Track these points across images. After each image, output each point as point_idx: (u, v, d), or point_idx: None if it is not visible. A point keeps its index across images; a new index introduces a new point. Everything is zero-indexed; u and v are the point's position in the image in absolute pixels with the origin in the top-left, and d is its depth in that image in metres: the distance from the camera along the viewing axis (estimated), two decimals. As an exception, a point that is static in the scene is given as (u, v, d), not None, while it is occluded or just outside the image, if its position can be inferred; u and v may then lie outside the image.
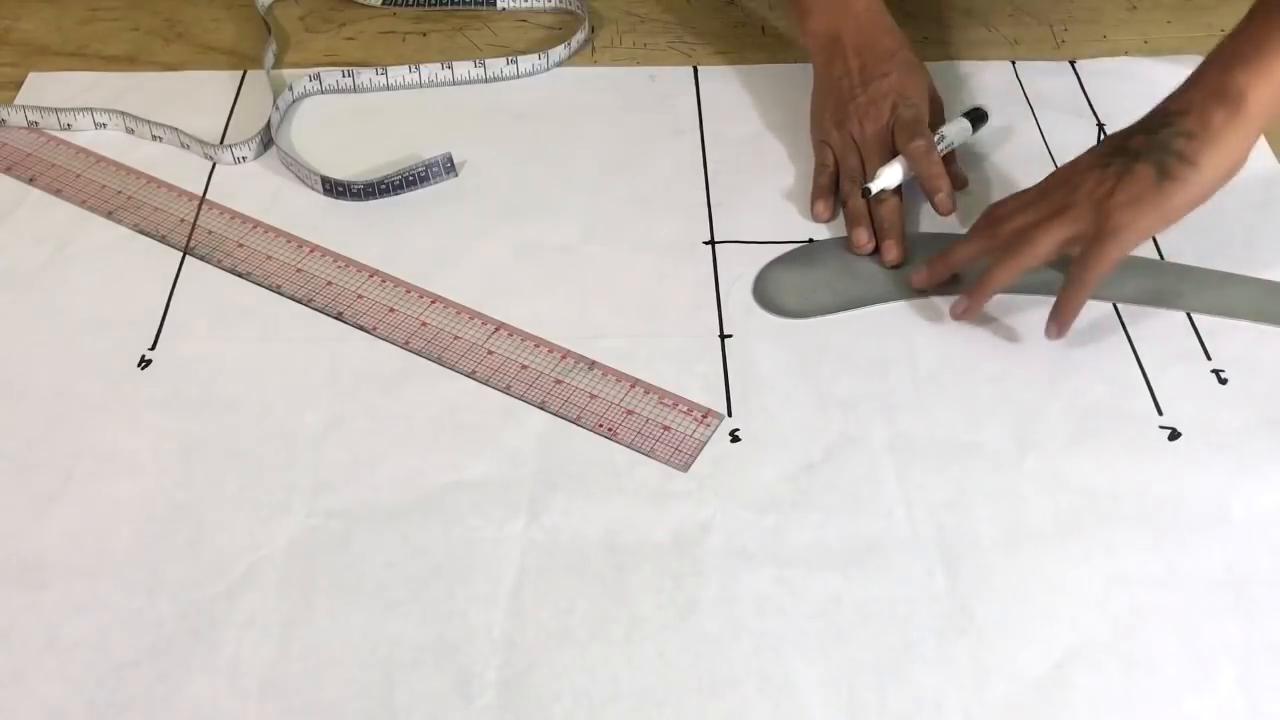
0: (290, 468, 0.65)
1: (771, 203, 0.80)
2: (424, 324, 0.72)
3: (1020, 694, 0.56)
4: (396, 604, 0.59)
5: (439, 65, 0.89)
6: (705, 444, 0.66)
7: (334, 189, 0.80)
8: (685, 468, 0.65)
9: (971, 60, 0.92)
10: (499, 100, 0.89)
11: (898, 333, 0.72)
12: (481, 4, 0.97)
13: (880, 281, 0.75)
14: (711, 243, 0.78)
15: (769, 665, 0.57)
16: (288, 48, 0.94)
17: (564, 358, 0.70)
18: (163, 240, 0.77)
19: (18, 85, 0.89)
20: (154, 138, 0.84)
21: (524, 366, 0.70)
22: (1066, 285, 0.68)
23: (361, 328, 0.72)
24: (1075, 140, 0.79)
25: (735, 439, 0.66)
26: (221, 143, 0.84)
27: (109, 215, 0.79)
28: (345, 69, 0.89)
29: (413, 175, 0.81)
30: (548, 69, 0.91)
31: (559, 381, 0.69)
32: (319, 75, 0.88)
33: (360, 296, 0.74)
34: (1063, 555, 0.61)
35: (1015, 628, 0.58)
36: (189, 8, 0.97)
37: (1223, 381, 0.69)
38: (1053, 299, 0.70)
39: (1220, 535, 0.62)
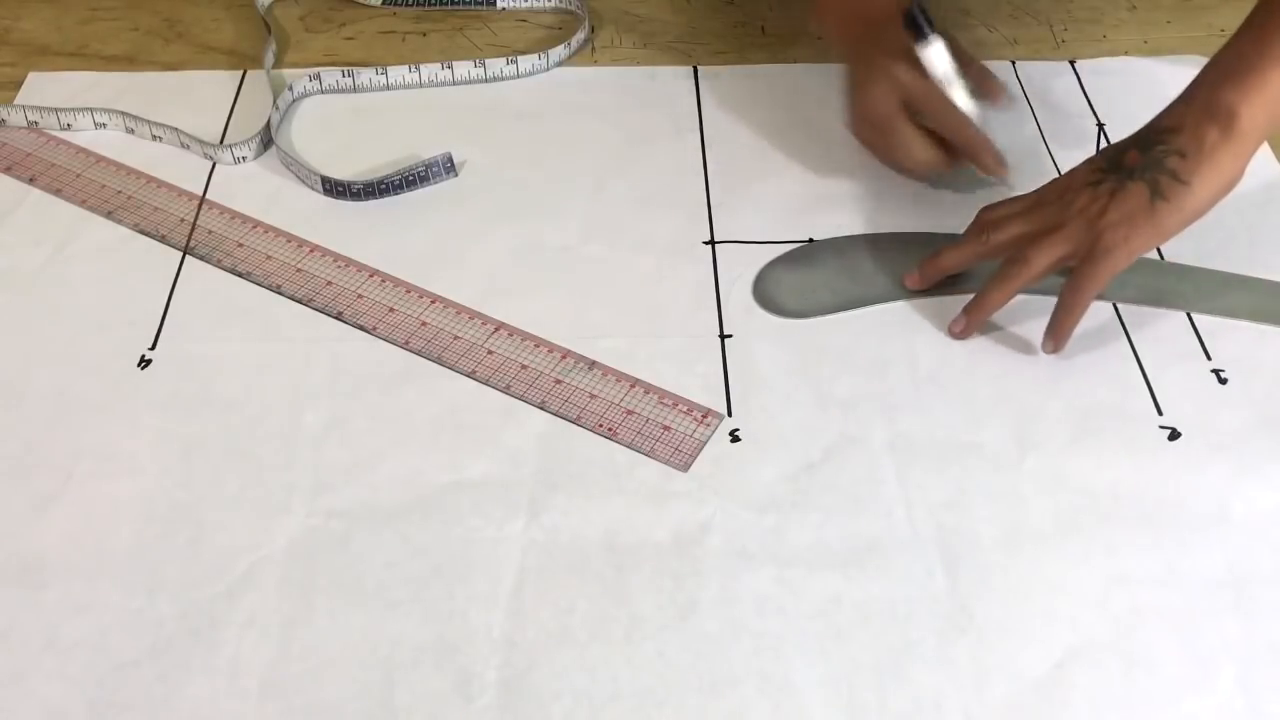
0: (290, 468, 0.65)
1: (771, 203, 0.80)
2: (424, 324, 0.72)
3: (1020, 694, 0.56)
4: (396, 604, 0.59)
5: (439, 65, 0.89)
6: (705, 444, 0.66)
7: (334, 189, 0.80)
8: (685, 468, 0.65)
9: (971, 60, 0.92)
10: (499, 100, 0.89)
11: (898, 333, 0.72)
12: (481, 4, 0.97)
13: (880, 281, 0.75)
14: (711, 243, 0.78)
15: (769, 665, 0.57)
16: (288, 48, 0.94)
17: (564, 358, 0.70)
18: (163, 240, 0.77)
19: (18, 85, 0.89)
20: (154, 138, 0.84)
21: (524, 366, 0.70)
22: (1061, 304, 0.69)
23: (361, 328, 0.72)
24: (1075, 140, 0.79)
25: (735, 439, 0.66)
26: (221, 143, 0.84)
27: (109, 215, 0.79)
28: (345, 69, 0.89)
29: (413, 175, 0.81)
30: (548, 69, 0.91)
31: (559, 381, 0.69)
32: (319, 75, 0.88)
33: (360, 296, 0.74)
34: (1063, 555, 0.61)
35: (1015, 628, 0.58)
36: (189, 8, 0.97)
37: (1223, 381, 0.69)
38: (1052, 299, 0.70)
39: (1220, 535, 0.62)
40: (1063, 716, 0.55)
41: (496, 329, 0.72)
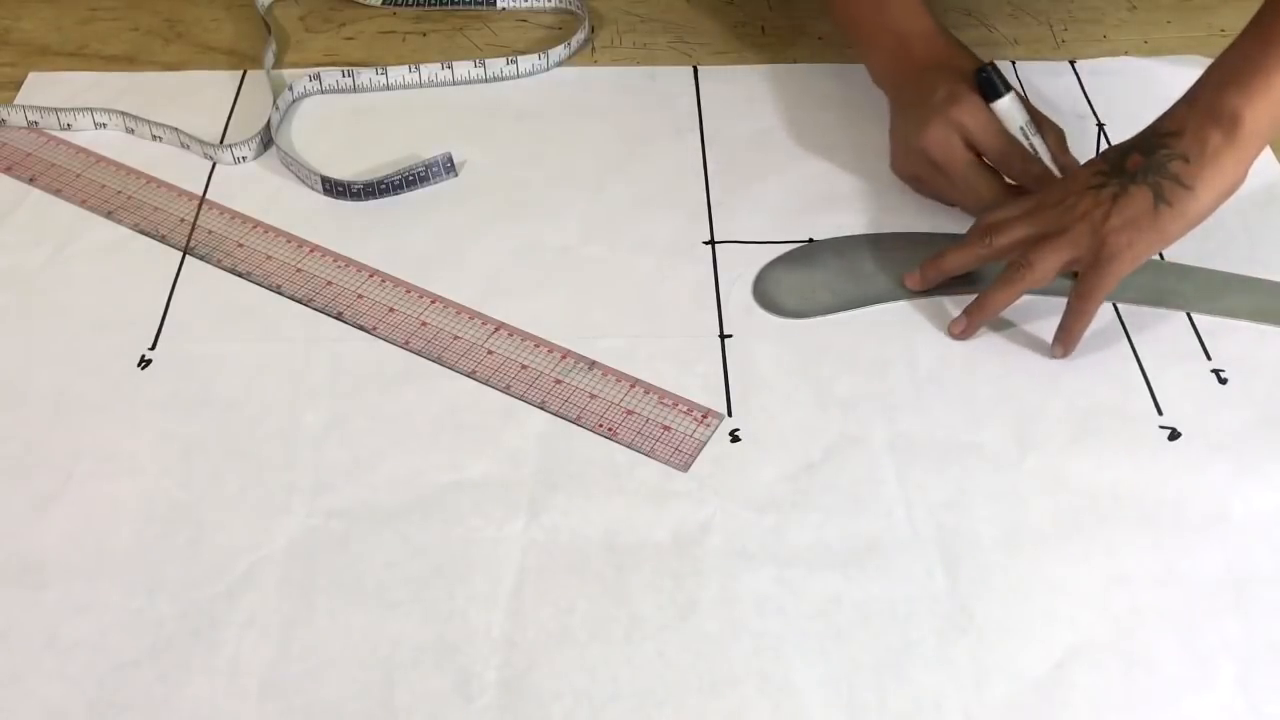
0: (290, 468, 0.65)
1: (771, 203, 0.80)
2: (424, 324, 0.72)
3: (1020, 694, 0.56)
4: (396, 604, 0.59)
5: (439, 65, 0.89)
6: (705, 444, 0.66)
7: (334, 189, 0.80)
8: (685, 468, 0.65)
9: (971, 60, 0.92)
10: (499, 100, 0.89)
11: (898, 333, 0.72)
12: (481, 4, 0.97)
13: (880, 281, 0.75)
14: (711, 243, 0.78)
15: (769, 665, 0.57)
16: (288, 48, 0.94)
17: (564, 358, 0.70)
18: (163, 240, 0.77)
19: (18, 85, 0.89)
20: (154, 138, 0.84)
21: (524, 366, 0.70)
22: (1069, 311, 0.69)
23: (361, 328, 0.72)
24: (1075, 140, 0.79)
25: (735, 439, 0.66)
26: (221, 143, 0.84)
27: (109, 215, 0.79)
28: (345, 69, 0.89)
29: (413, 175, 0.81)
30: (548, 69, 0.91)
31: (559, 381, 0.69)
32: (319, 75, 0.88)
33: (360, 296, 0.74)
34: (1063, 555, 0.61)
35: (1015, 628, 0.58)
36: (189, 8, 0.97)
37: (1223, 381, 0.69)
38: (1051, 299, 0.70)
39: (1220, 535, 0.62)
40: (1063, 716, 0.55)
41: (496, 329, 0.72)
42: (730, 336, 0.72)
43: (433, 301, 0.73)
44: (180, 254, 0.76)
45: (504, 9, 0.97)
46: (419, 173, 0.81)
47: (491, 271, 0.75)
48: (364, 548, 0.61)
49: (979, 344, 0.71)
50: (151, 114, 0.85)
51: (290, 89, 0.87)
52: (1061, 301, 0.71)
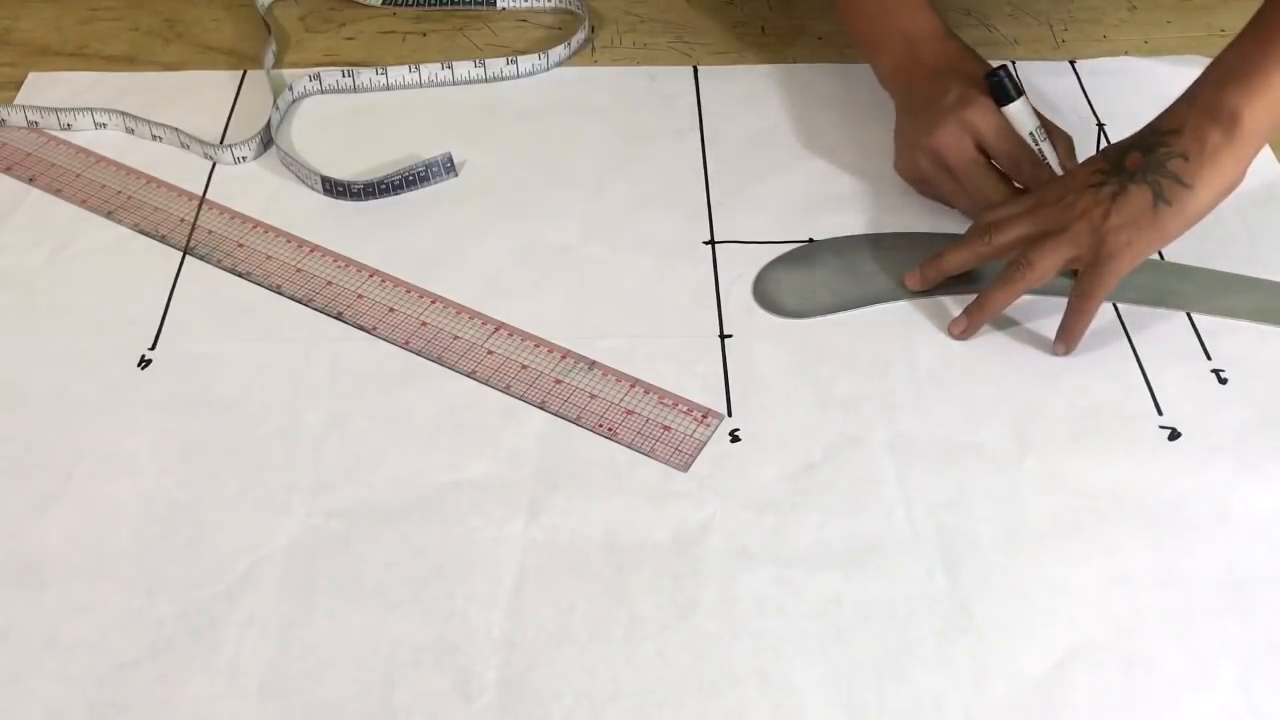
0: (290, 468, 0.65)
1: (771, 203, 0.80)
2: (424, 324, 0.72)
3: (1020, 694, 0.56)
4: (396, 604, 0.59)
5: (439, 65, 0.89)
6: (705, 444, 0.66)
7: (334, 189, 0.80)
8: (685, 468, 0.65)
9: (971, 60, 0.92)
10: (499, 100, 0.89)
11: (898, 333, 0.72)
12: (481, 4, 0.97)
13: (880, 281, 0.75)
14: (711, 243, 0.78)
15: (769, 665, 0.57)
16: (288, 48, 0.94)
17: (564, 358, 0.70)
18: (163, 240, 0.77)
19: (18, 85, 0.89)
20: (154, 138, 0.84)
21: (524, 366, 0.70)
22: (1070, 309, 0.70)
23: (361, 328, 0.72)
24: (1075, 140, 0.79)
25: (735, 439, 0.66)
26: (221, 143, 0.84)
27: (109, 215, 0.79)
28: (345, 69, 0.89)
29: (413, 175, 0.81)
30: (548, 69, 0.91)
31: (559, 381, 0.69)
32: (319, 75, 0.88)
33: (360, 296, 0.74)
34: (1063, 555, 0.61)
35: (1015, 628, 0.58)
36: (189, 8, 0.97)
37: (1223, 381, 0.69)
38: (1052, 299, 0.70)
39: (1220, 535, 0.62)
40: (1063, 716, 0.55)
41: (496, 329, 0.72)
42: (730, 336, 0.72)
43: (433, 301, 0.73)
44: (180, 254, 0.76)
45: (504, 9, 0.97)
46: (419, 173, 0.81)
47: (491, 271, 0.75)
48: (364, 548, 0.61)
49: (979, 344, 0.71)
50: (151, 114, 0.85)
51: (290, 89, 0.87)
52: (1061, 301, 0.71)
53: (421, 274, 0.75)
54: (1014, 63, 0.91)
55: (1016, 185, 0.76)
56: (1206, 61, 0.70)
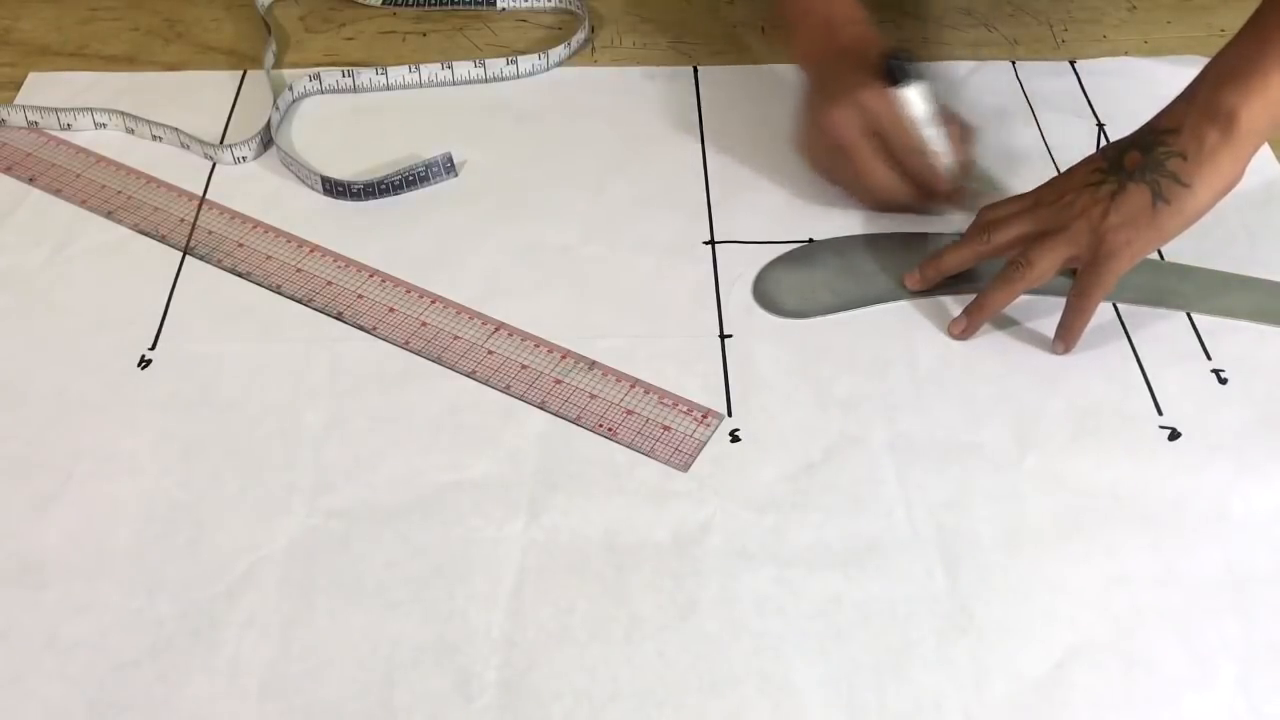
0: (290, 468, 0.65)
1: (771, 203, 0.80)
2: (424, 324, 0.72)
3: (1020, 694, 0.56)
4: (396, 604, 0.59)
5: (439, 65, 0.89)
6: (705, 444, 0.66)
7: (334, 189, 0.80)
8: (685, 468, 0.65)
9: (971, 60, 0.92)
10: (499, 100, 0.89)
11: (898, 333, 0.72)
12: (481, 4, 0.97)
13: (880, 281, 0.75)
14: (711, 243, 0.78)
15: (769, 665, 0.57)
16: (288, 48, 0.94)
17: (564, 358, 0.70)
18: (163, 240, 0.77)
19: (18, 85, 0.89)
20: (154, 138, 0.84)
21: (524, 366, 0.70)
22: (1069, 308, 0.70)
23: (361, 328, 0.72)
24: (1075, 140, 0.79)
25: (735, 439, 0.66)
26: (221, 143, 0.84)
27: (109, 215, 0.79)
28: (345, 69, 0.89)
29: (413, 175, 0.81)
30: (548, 69, 0.91)
31: (559, 381, 0.69)
32: (319, 75, 0.88)
33: (360, 296, 0.74)
34: (1063, 555, 0.61)
35: (1015, 628, 0.58)
36: (189, 8, 0.97)
37: (1223, 381, 0.69)
38: (1051, 299, 0.70)
39: (1220, 535, 0.62)
40: (1063, 716, 0.55)
41: (496, 329, 0.72)
42: (730, 336, 0.72)
43: (433, 301, 0.73)
44: (180, 254, 0.76)
45: (504, 9, 0.97)
46: (419, 173, 0.81)
47: (491, 271, 0.75)
48: (364, 548, 0.61)
49: (979, 344, 0.71)
50: (151, 114, 0.85)
51: (290, 89, 0.87)
52: (1061, 301, 0.71)
53: (421, 274, 0.75)
54: (1014, 62, 0.91)
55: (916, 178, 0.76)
56: (1206, 61, 0.70)
